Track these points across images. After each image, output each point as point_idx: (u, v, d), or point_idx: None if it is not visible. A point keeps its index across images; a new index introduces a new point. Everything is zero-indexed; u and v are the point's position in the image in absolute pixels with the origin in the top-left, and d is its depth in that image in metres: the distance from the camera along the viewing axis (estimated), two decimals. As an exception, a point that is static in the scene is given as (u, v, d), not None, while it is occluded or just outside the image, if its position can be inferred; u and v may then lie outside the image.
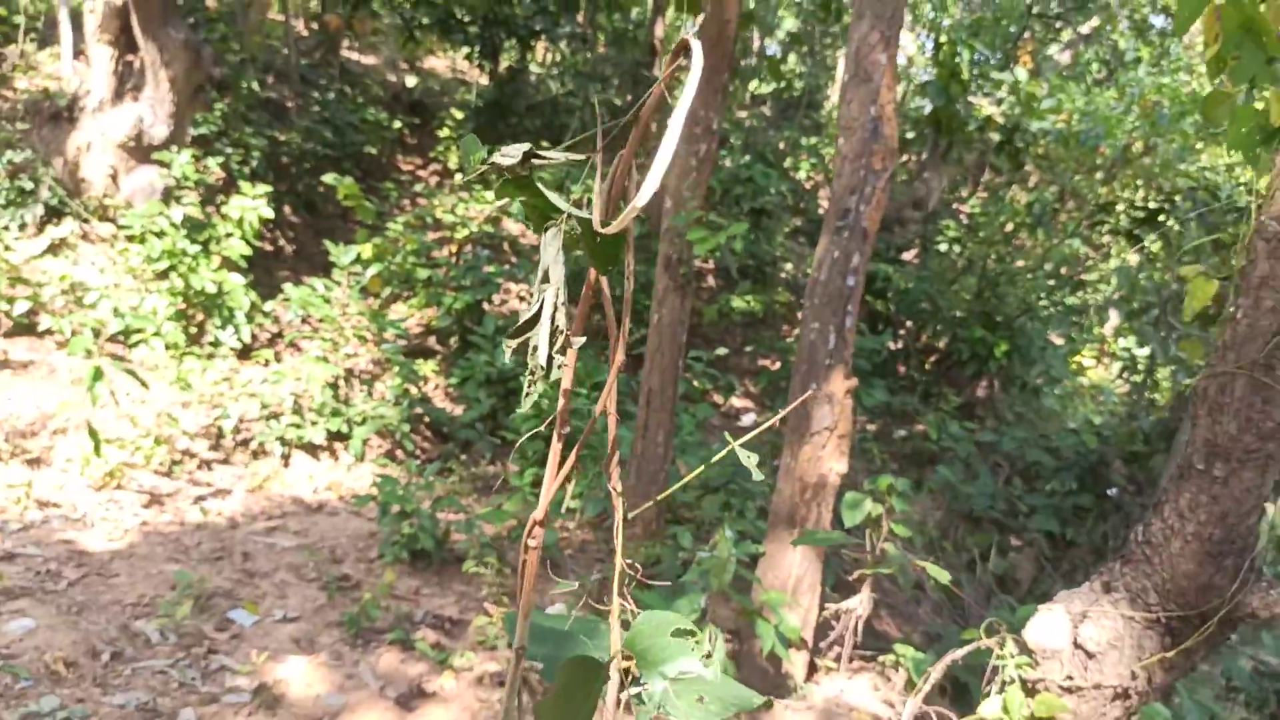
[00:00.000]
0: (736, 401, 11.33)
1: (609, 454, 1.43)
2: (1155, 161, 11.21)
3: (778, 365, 11.63)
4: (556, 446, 1.32)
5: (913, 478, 10.03)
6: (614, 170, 1.14)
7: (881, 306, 12.15)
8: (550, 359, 1.03)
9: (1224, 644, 3.28)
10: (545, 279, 1.05)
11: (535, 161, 1.04)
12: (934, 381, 12.03)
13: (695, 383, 10.36)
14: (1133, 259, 12.04)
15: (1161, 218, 10.63)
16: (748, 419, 11.08)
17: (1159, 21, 15.43)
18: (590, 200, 1.14)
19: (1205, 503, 2.54)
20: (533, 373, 1.04)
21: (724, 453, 1.47)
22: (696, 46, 1.05)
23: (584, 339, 1.12)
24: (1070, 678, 2.93)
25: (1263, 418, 2.37)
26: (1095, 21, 14.92)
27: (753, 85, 14.27)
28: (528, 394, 1.05)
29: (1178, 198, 10.57)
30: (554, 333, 1.02)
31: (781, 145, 14.16)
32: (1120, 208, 11.55)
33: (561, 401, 1.28)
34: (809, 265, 13.42)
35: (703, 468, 1.52)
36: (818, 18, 13.49)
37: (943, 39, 11.48)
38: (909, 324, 12.48)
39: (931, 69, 12.18)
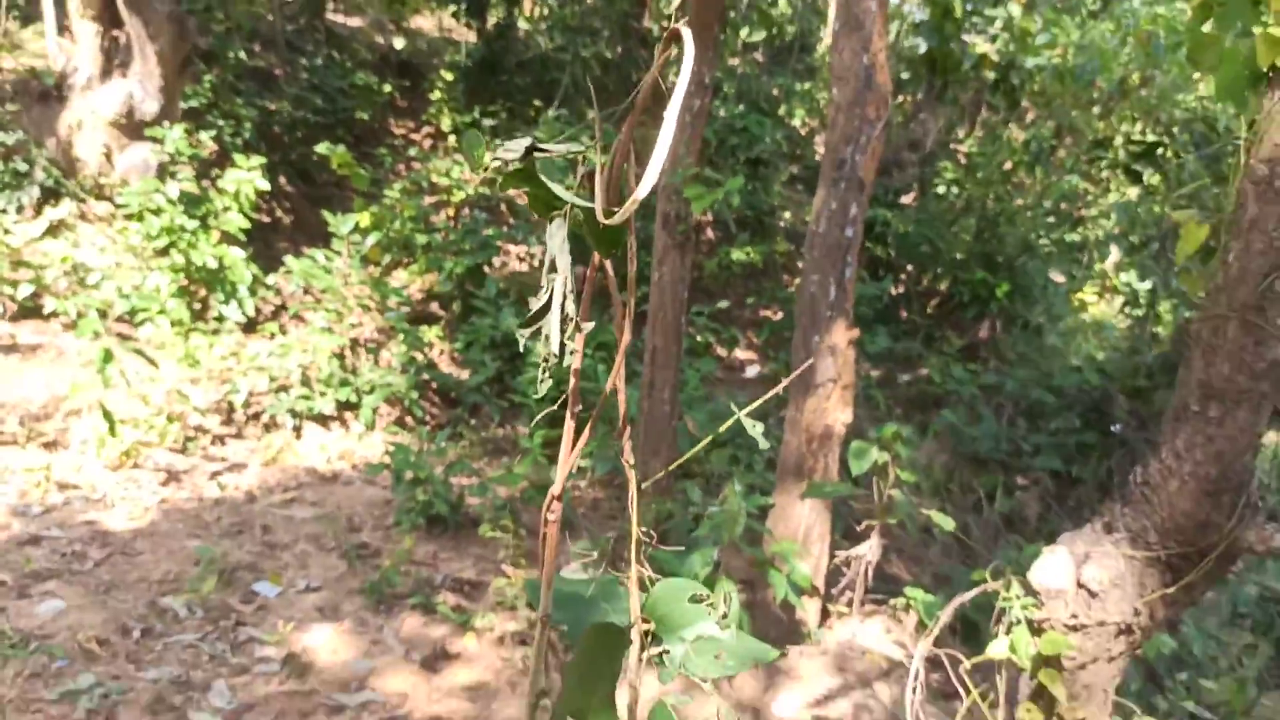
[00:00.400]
0: (740, 353, 11.39)
1: (620, 427, 1.48)
2: (1152, 94, 11.11)
3: (780, 315, 11.67)
4: (570, 425, 1.38)
5: (917, 422, 10.13)
6: (612, 157, 1.18)
7: (881, 252, 12.14)
8: (562, 345, 1.08)
9: (1225, 577, 3.36)
10: (553, 268, 1.10)
11: (537, 154, 1.08)
12: (936, 325, 12.06)
13: (698, 337, 10.41)
14: (1132, 193, 11.98)
15: (1160, 151, 10.56)
16: (751, 371, 11.15)
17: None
18: (590, 173, 1.18)
19: (1201, 443, 2.60)
20: (545, 359, 1.09)
21: (730, 422, 1.52)
22: (688, 35, 1.08)
23: (593, 324, 1.17)
24: (1075, 616, 3.02)
25: (1255, 358, 2.42)
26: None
27: (744, 33, 14.11)
28: (542, 380, 1.11)
29: (1175, 129, 10.51)
30: (564, 320, 1.08)
31: (775, 92, 14.03)
32: (1118, 142, 11.47)
33: (572, 381, 1.33)
34: (808, 213, 13.35)
35: (709, 438, 1.57)
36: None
37: (935, -23, 11.32)
38: (909, 268, 12.48)
39: (924, 8, 12.02)
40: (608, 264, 1.26)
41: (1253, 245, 2.32)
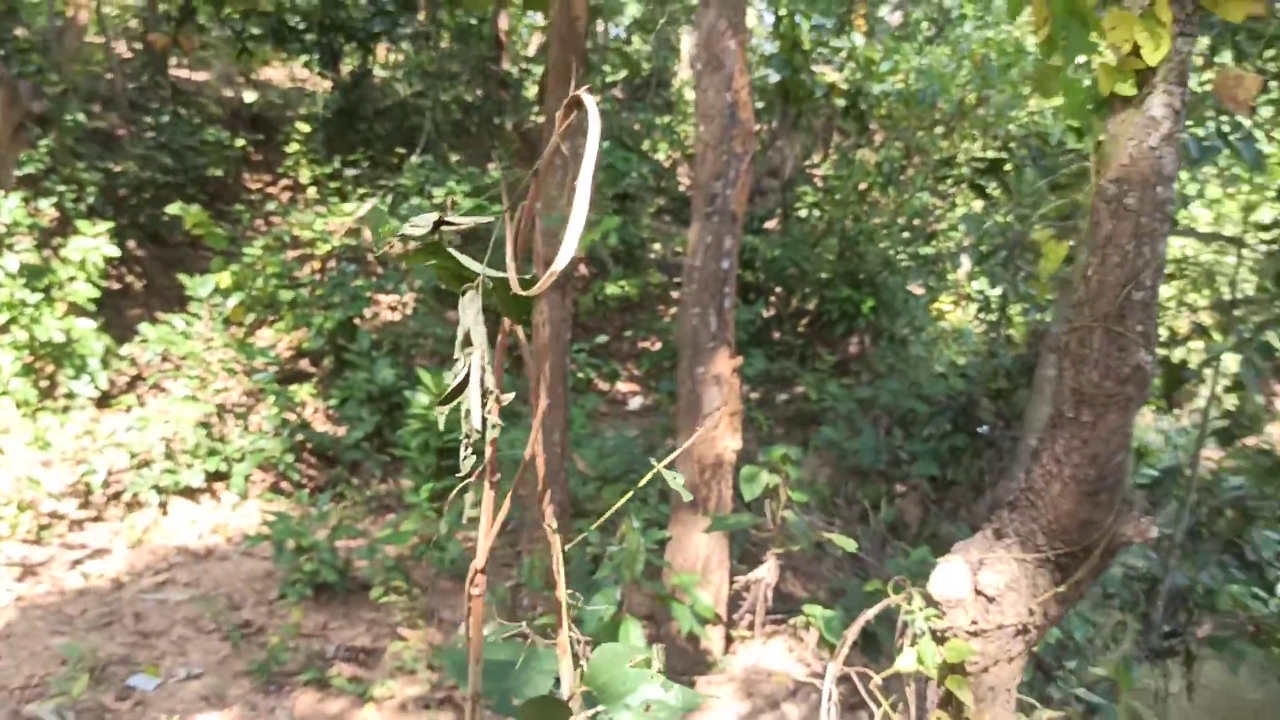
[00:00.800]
0: (622, 386, 11.43)
1: (540, 492, 1.45)
2: (989, 113, 11.80)
3: (659, 346, 11.78)
4: (490, 494, 1.34)
5: (798, 439, 10.37)
6: (518, 225, 1.16)
7: (751, 277, 12.43)
8: (484, 420, 1.04)
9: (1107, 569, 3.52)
10: (467, 342, 1.06)
11: (444, 228, 1.05)
12: (808, 344, 12.41)
13: (579, 374, 10.39)
14: (977, 206, 12.66)
15: (1001, 166, 11.21)
16: (635, 402, 11.20)
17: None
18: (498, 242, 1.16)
19: (1078, 446, 2.74)
20: (469, 435, 1.05)
21: (649, 476, 1.51)
22: (591, 103, 1.07)
23: (513, 395, 1.14)
24: (975, 622, 3.11)
25: (1120, 364, 2.57)
26: (921, -19, 15.54)
27: (606, 72, 14.32)
28: (465, 458, 1.07)
29: (1013, 145, 11.17)
30: (485, 394, 1.04)
31: (637, 127, 14.26)
32: (962, 159, 12.13)
33: (489, 451, 1.29)
34: (678, 244, 13.61)
35: (625, 498, 1.55)
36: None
37: (782, 11, 11.77)
38: (779, 291, 12.82)
39: (774, 41, 12.45)
40: (519, 330, 1.24)
41: (1109, 259, 2.46)
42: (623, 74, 14.35)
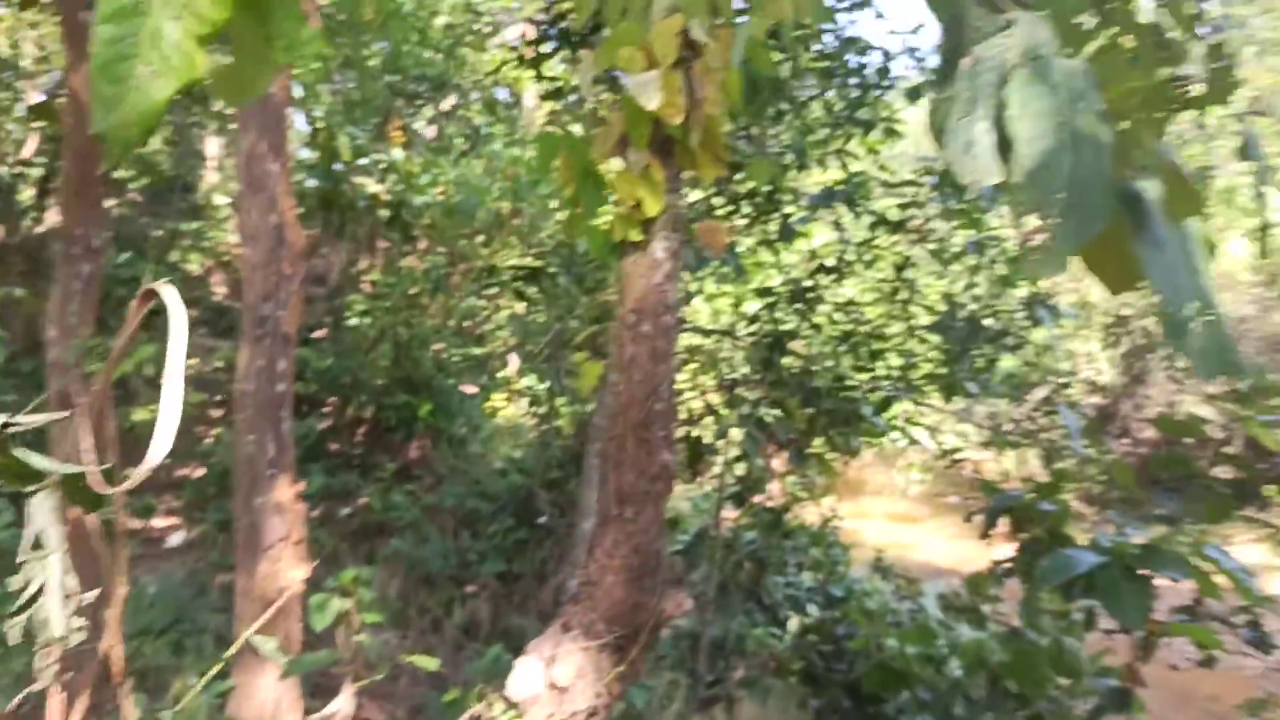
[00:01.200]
0: (159, 522, 10.29)
1: (118, 681, 1.38)
2: (524, 224, 12.79)
3: (200, 472, 10.83)
4: (60, 696, 1.25)
5: (365, 553, 10.13)
6: (93, 421, 1.14)
7: (303, 389, 11.99)
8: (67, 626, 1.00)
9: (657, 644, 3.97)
10: (37, 545, 1.01)
11: (10, 429, 1.00)
12: (369, 452, 12.23)
13: (104, 519, 9.18)
14: (520, 308, 13.54)
15: (538, 272, 12.16)
16: (176, 538, 10.14)
17: (503, 95, 17.47)
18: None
19: (624, 539, 3.12)
20: (46, 644, 0.99)
21: (237, 645, 1.49)
22: (172, 295, 1.11)
23: (99, 590, 1.10)
24: (551, 715, 3.34)
25: (649, 465, 2.99)
26: (454, 100, 16.40)
27: (125, 177, 13.10)
28: (46, 668, 1.00)
29: (547, 254, 12.20)
30: (66, 599, 1.00)
31: (160, 234, 13.19)
32: (503, 265, 12.94)
33: (55, 653, 1.21)
34: (216, 359, 12.69)
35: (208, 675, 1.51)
36: (179, 104, 12.86)
37: (318, 123, 11.76)
38: (334, 401, 12.52)
39: (311, 149, 12.36)
40: (93, 518, 1.19)
41: (634, 377, 2.89)
42: (143, 180, 13.25)
